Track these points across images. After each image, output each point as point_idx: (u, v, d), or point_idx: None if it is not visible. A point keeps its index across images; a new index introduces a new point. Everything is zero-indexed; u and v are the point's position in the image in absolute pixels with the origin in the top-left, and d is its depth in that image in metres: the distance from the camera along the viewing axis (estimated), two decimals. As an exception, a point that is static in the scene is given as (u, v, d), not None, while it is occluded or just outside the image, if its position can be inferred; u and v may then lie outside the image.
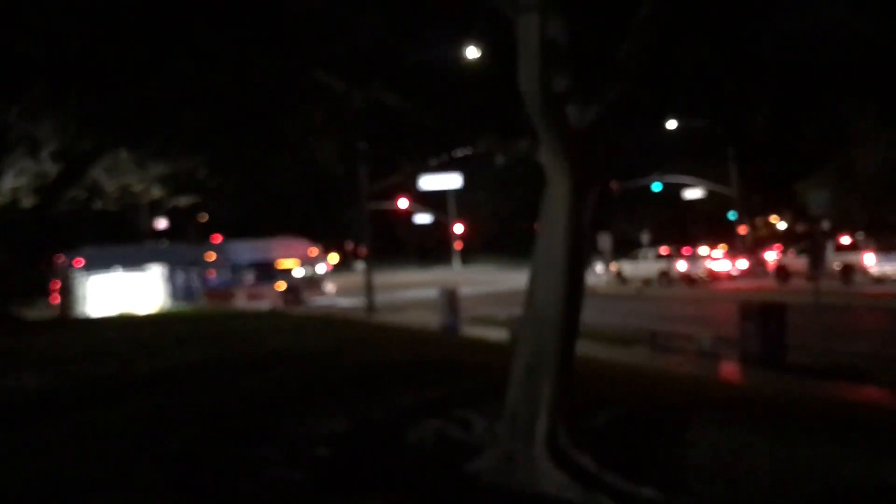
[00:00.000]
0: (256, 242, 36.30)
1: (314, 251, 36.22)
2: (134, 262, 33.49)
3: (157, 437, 6.87)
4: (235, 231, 40.68)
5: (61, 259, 33.13)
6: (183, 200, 27.47)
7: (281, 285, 34.52)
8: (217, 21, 7.90)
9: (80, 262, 33.16)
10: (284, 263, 35.05)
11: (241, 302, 33.30)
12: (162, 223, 45.23)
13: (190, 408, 8.22)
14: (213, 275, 34.43)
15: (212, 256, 34.85)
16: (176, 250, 36.33)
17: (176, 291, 33.07)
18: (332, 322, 21.90)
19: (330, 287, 35.82)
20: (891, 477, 5.47)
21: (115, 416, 7.94)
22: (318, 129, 10.24)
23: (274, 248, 35.56)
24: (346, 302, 33.34)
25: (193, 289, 33.89)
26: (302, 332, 16.99)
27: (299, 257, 35.45)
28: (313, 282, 35.40)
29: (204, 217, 51.00)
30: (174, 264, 33.68)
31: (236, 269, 34.68)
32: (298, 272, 35.17)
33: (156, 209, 36.06)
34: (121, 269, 33.22)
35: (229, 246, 36.22)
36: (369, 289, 29.43)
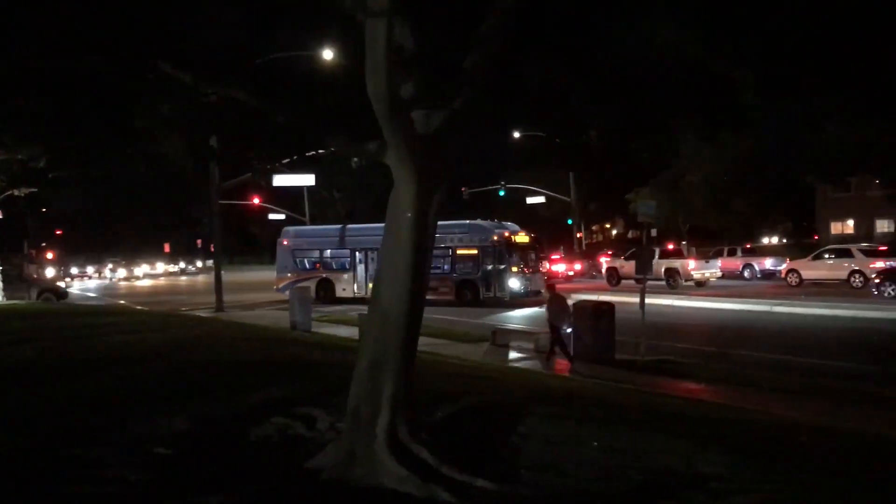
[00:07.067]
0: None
1: (501, 238, 28.84)
2: (335, 244, 31.61)
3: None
4: (77, 224, 37.44)
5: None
6: (18, 191, 25.55)
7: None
8: (58, 5, 7.52)
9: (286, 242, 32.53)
10: (462, 251, 29.19)
11: None
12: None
13: (22, 407, 7.74)
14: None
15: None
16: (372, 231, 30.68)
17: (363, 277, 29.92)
18: (178, 319, 21.15)
19: (514, 283, 28.51)
20: (702, 465, 6.00)
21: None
22: (166, 123, 9.91)
23: (450, 232, 29.26)
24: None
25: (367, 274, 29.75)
26: (146, 328, 16.30)
27: (478, 245, 28.96)
28: (493, 275, 28.51)
29: (42, 208, 47.49)
30: (363, 248, 30.48)
31: None
32: (479, 263, 28.89)
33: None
34: (319, 250, 31.75)
35: None
36: (218, 287, 28.59)
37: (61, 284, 35.45)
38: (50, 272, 35.64)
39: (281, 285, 31.89)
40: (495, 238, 28.67)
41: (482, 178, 49.30)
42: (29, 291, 31.84)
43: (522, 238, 30.25)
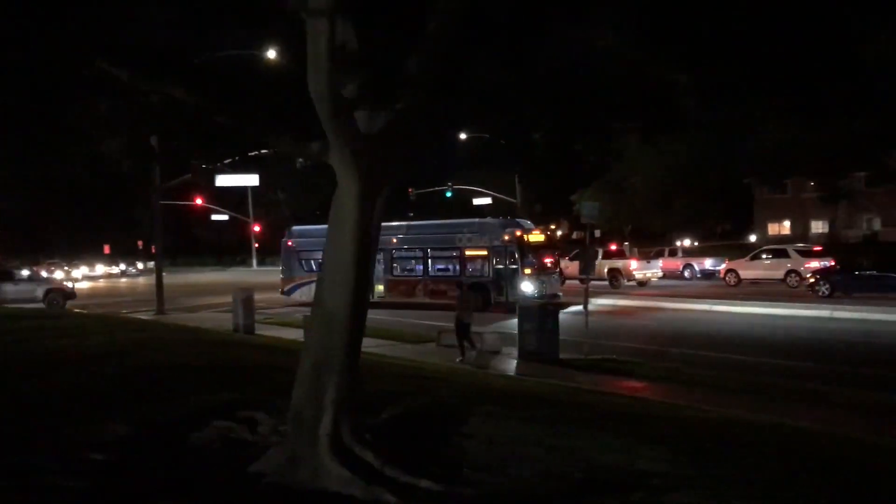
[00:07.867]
0: (431, 222, 28.62)
1: (512, 237, 25.89)
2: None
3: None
4: (12, 225, 35.92)
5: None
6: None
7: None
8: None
9: (290, 243, 30.93)
10: (472, 252, 26.69)
11: (420, 298, 26.91)
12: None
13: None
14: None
15: (393, 242, 27.50)
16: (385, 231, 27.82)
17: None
18: (117, 322, 20.65)
19: (527, 286, 25.29)
20: (641, 462, 6.12)
21: None
22: (104, 122, 9.65)
23: (458, 232, 27.07)
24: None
25: (377, 276, 26.43)
26: (86, 332, 15.85)
27: (488, 246, 26.28)
28: (504, 278, 25.78)
29: None
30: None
31: (415, 256, 27.40)
32: (491, 265, 26.15)
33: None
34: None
35: (413, 227, 27.85)
36: (159, 289, 27.99)
37: (69, 284, 34.15)
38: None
39: (286, 288, 30.85)
40: (506, 237, 26.01)
41: (429, 179, 49.88)
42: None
43: (536, 236, 27.59)
